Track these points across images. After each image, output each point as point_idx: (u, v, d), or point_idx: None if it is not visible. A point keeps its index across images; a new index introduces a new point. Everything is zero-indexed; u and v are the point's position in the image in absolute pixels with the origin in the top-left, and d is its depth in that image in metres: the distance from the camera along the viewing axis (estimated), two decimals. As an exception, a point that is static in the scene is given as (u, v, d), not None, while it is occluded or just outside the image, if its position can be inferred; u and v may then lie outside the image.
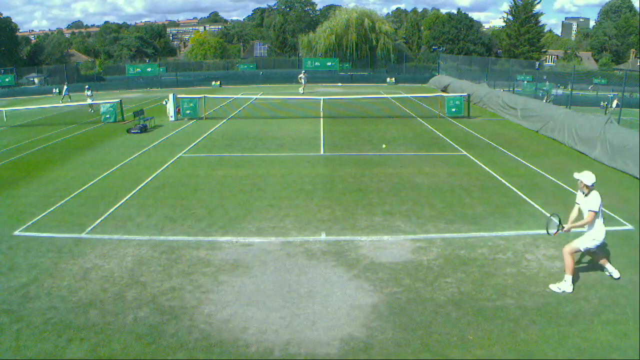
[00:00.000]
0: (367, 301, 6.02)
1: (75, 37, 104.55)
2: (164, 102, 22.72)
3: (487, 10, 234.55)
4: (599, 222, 6.20)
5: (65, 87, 31.89)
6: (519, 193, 10.26)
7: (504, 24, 65.81)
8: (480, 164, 12.79)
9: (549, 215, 6.94)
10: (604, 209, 9.09)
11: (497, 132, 17.57)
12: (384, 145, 14.89)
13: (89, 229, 8.51)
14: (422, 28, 77.04)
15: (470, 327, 5.42)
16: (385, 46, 48.84)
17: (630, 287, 6.24)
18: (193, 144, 15.97)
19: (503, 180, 11.21)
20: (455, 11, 70.51)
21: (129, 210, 9.46)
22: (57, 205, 9.85)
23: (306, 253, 7.44)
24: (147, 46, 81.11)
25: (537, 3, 62.21)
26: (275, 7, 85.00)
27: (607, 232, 6.35)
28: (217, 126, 19.42)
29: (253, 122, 20.76)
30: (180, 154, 14.41)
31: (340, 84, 41.08)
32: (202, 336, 5.35)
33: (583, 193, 6.27)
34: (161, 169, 12.70)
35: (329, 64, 44.34)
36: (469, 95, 21.97)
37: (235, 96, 29.73)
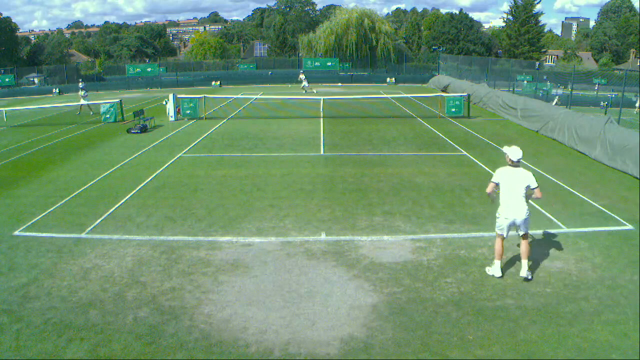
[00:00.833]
0: (367, 301, 6.02)
1: (75, 37, 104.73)
2: (164, 102, 22.69)
3: (487, 10, 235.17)
4: (504, 197, 6.35)
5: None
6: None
7: (504, 24, 65.98)
8: (480, 164, 12.79)
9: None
10: (603, 209, 9.19)
11: (497, 132, 17.57)
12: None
13: (89, 229, 8.51)
14: (422, 28, 77.17)
15: (470, 327, 5.42)
16: (385, 46, 48.84)
17: (630, 287, 6.24)
18: (193, 144, 15.97)
19: (503, 180, 11.20)
20: (455, 11, 70.65)
21: (129, 210, 9.46)
22: (57, 205, 9.85)
23: (306, 253, 7.44)
24: (147, 46, 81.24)
25: (537, 3, 62.43)
26: (275, 7, 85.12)
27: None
28: (217, 126, 19.42)
29: (253, 122, 20.75)
30: (180, 154, 14.41)
31: (340, 84, 41.06)
32: (202, 336, 5.35)
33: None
34: (161, 169, 12.70)
35: (329, 64, 44.35)
36: (469, 95, 21.95)
37: (235, 96, 29.73)
